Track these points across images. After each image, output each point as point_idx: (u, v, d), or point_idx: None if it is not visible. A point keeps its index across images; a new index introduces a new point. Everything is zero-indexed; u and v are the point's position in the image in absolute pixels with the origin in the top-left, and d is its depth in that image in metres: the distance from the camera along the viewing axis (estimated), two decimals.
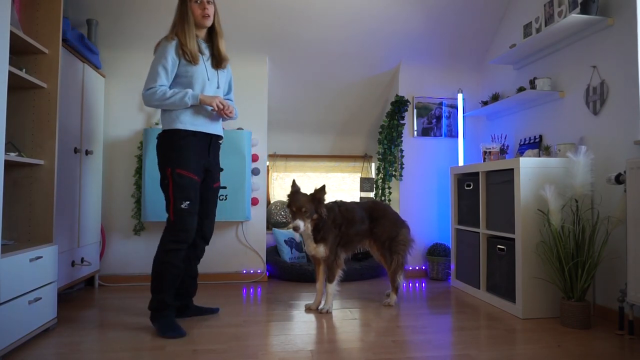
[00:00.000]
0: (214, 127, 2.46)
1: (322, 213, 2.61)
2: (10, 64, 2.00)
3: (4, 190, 1.92)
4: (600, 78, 2.67)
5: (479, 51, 3.96)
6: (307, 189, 2.70)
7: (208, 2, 2.38)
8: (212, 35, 2.49)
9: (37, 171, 2.35)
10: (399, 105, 3.89)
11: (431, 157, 3.98)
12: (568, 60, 2.96)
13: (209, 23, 2.42)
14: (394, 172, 3.93)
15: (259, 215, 3.68)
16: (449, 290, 3.36)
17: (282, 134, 4.36)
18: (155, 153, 2.42)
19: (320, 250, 2.67)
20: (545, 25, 3.07)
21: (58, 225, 2.54)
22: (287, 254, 3.77)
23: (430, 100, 3.99)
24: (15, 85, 2.25)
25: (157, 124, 3.51)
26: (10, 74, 2.02)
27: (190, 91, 2.32)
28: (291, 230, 3.39)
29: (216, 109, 2.35)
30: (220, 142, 2.57)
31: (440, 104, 4.01)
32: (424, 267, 3.89)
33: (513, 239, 2.71)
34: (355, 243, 2.86)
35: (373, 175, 4.43)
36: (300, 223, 2.55)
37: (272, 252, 3.81)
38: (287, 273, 3.61)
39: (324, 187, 2.63)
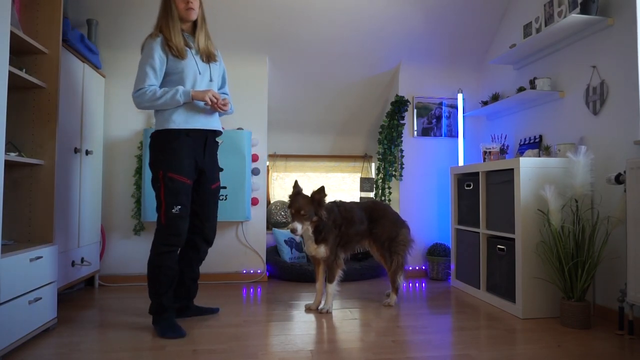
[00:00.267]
0: (209, 122, 2.39)
1: (322, 216, 2.59)
2: (11, 64, 2.00)
3: (4, 190, 1.91)
4: (600, 78, 2.67)
5: (479, 51, 3.96)
6: (307, 189, 2.69)
7: None
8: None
9: (37, 171, 2.34)
10: (399, 105, 3.89)
11: (431, 157, 3.98)
12: (568, 60, 2.96)
13: (194, 16, 2.37)
14: (394, 172, 3.93)
15: (259, 215, 3.68)
16: (449, 290, 3.36)
17: (282, 134, 4.36)
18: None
19: (321, 251, 2.67)
20: (545, 25, 3.08)
21: (58, 225, 2.54)
22: (287, 254, 3.77)
23: (430, 100, 3.99)
24: (16, 85, 2.25)
25: None
26: (11, 74, 2.02)
27: (181, 88, 2.26)
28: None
29: (209, 102, 2.29)
30: (218, 138, 2.51)
31: (440, 104, 4.01)
32: (424, 267, 3.89)
33: (513, 239, 2.71)
34: (354, 243, 2.85)
35: (373, 175, 4.43)
36: (298, 225, 2.54)
37: (272, 252, 3.81)
38: (287, 273, 3.61)
39: (322, 188, 2.60)
